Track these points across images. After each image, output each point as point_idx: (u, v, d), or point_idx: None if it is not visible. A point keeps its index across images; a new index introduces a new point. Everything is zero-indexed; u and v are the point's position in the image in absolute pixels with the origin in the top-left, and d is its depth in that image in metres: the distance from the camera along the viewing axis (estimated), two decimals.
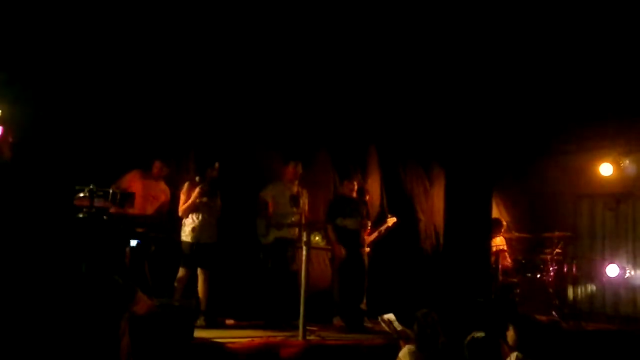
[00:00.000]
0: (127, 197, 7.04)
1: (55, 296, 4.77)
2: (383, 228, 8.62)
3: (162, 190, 7.48)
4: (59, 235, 6.23)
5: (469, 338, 5.13)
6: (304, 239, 6.65)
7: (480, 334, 5.11)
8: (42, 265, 5.87)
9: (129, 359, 4.51)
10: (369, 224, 8.47)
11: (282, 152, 8.39)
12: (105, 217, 6.48)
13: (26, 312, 5.14)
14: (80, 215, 6.55)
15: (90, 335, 4.38)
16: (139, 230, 6.83)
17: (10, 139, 6.53)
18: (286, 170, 7.84)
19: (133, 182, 7.21)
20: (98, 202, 6.73)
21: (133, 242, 6.83)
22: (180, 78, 7.78)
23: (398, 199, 9.74)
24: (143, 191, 7.22)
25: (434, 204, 10.15)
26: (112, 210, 6.62)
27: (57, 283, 5.02)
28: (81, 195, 6.70)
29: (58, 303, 4.62)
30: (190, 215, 7.29)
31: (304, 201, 7.84)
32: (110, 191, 6.85)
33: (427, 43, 8.07)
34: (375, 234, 8.57)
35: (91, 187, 6.74)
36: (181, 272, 7.22)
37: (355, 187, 8.35)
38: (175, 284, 7.18)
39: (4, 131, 6.41)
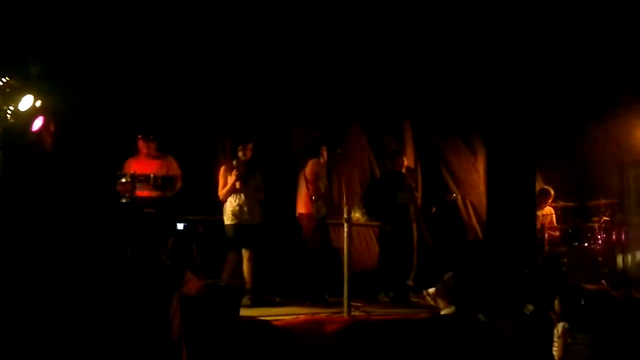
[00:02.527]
0: (169, 181, 7.15)
1: (103, 281, 4.84)
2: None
3: (160, 166, 7.35)
4: (103, 221, 6.34)
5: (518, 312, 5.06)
6: (345, 215, 6.63)
7: (530, 308, 5.02)
8: (88, 251, 5.98)
9: (180, 339, 4.55)
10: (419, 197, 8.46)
11: (317, 129, 8.37)
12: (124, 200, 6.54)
13: (76, 298, 5.24)
14: (123, 201, 6.67)
15: (142, 318, 4.43)
16: (148, 211, 6.78)
17: (52, 129, 6.65)
18: (322, 150, 7.82)
19: (128, 170, 7.13)
20: (140, 188, 6.87)
21: (180, 226, 6.91)
22: (212, 62, 7.81)
23: (434, 173, 9.66)
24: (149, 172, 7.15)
25: (477, 177, 10.05)
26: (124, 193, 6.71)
27: (104, 268, 5.10)
28: (123, 180, 6.83)
29: (107, 288, 4.68)
30: (229, 199, 7.32)
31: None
32: (152, 176, 6.97)
33: (467, 13, 7.93)
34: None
35: (133, 172, 6.87)
36: (229, 254, 7.27)
37: (405, 162, 8.33)
38: (224, 266, 7.25)
39: (45, 121, 6.52)
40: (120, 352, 4.41)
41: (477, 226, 9.93)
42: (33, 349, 4.95)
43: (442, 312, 4.96)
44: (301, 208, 7.76)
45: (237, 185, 7.23)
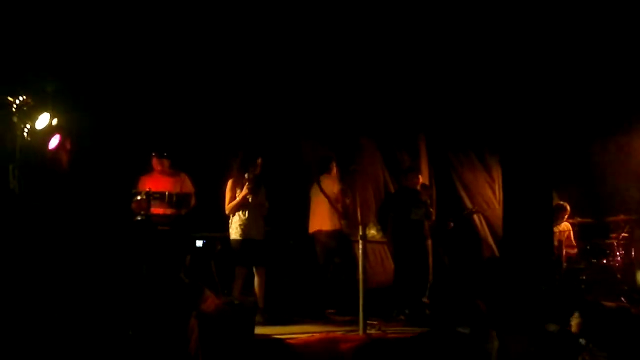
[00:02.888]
0: (184, 199, 7.16)
1: (119, 299, 4.84)
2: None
3: (173, 183, 7.38)
4: (118, 239, 6.35)
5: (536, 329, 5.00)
6: (360, 232, 6.60)
7: (553, 327, 4.97)
8: (103, 269, 5.98)
9: (197, 354, 4.54)
10: (433, 214, 8.42)
11: (328, 145, 8.37)
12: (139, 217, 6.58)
13: (92, 315, 5.24)
14: (138, 218, 6.69)
15: (160, 334, 4.43)
16: (162, 228, 6.81)
17: (68, 147, 6.69)
18: (332, 166, 7.81)
19: (142, 187, 7.18)
20: (155, 205, 6.89)
21: (199, 243, 6.90)
22: (225, 78, 7.84)
23: (449, 189, 9.63)
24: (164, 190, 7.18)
25: (492, 193, 10.00)
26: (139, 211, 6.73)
27: (120, 286, 5.11)
28: (138, 198, 6.85)
29: (123, 306, 4.69)
30: (237, 213, 7.28)
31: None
32: (167, 194, 6.99)
33: (483, 28, 7.91)
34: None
35: (148, 190, 6.90)
36: (237, 270, 7.24)
37: (420, 179, 8.32)
38: (234, 284, 7.19)
39: (62, 139, 6.56)
40: None
41: (492, 243, 9.86)
42: None
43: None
44: (319, 225, 7.74)
45: (249, 199, 7.21)
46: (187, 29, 7.39)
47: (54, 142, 6.53)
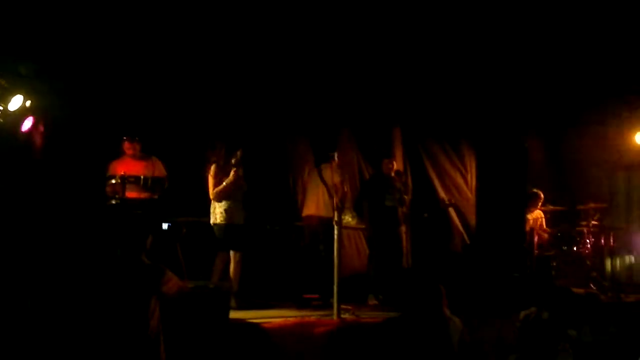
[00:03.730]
0: (158, 182, 7.13)
1: (88, 281, 4.84)
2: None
3: (145, 167, 7.32)
4: (92, 223, 6.32)
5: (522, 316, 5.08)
6: (335, 218, 6.63)
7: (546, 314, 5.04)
8: (76, 252, 5.96)
9: (158, 338, 4.56)
10: (408, 200, 8.47)
11: (308, 135, 8.40)
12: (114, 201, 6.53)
13: (56, 298, 5.27)
14: (113, 202, 6.65)
15: (120, 316, 4.45)
16: (137, 212, 6.77)
17: (42, 129, 6.62)
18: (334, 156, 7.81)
19: (114, 172, 7.10)
20: (129, 189, 6.85)
21: (164, 226, 6.88)
22: (202, 66, 7.80)
23: (423, 178, 9.70)
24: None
25: (464, 182, 10.10)
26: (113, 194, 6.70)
27: (91, 269, 5.11)
28: (112, 182, 6.81)
29: (91, 287, 4.69)
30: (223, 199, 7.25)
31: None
32: (142, 177, 6.95)
33: (453, 19, 7.95)
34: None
35: (123, 173, 6.86)
36: (218, 256, 7.22)
37: (394, 166, 8.36)
38: (214, 267, 7.17)
39: (35, 121, 6.49)
40: (99, 347, 4.44)
41: (463, 231, 9.94)
42: (14, 345, 4.96)
43: None
44: (314, 210, 7.80)
45: (236, 184, 7.18)
46: (165, 15, 7.32)
47: (27, 124, 6.47)
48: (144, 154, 7.39)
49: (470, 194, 10.11)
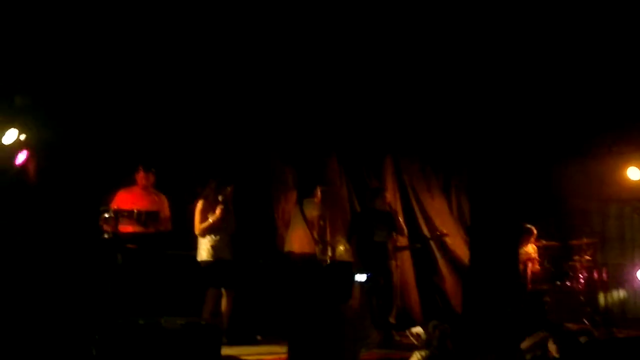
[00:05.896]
0: (152, 216, 7.10)
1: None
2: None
3: (151, 202, 7.29)
4: (85, 257, 6.30)
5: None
6: (329, 254, 6.63)
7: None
8: (67, 287, 5.94)
9: None
10: (398, 237, 8.44)
11: (296, 165, 8.42)
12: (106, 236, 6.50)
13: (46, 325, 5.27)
14: (106, 236, 6.63)
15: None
16: (130, 246, 6.70)
17: (36, 163, 6.62)
18: (317, 192, 7.84)
19: (122, 203, 7.05)
20: (123, 223, 6.82)
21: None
22: (195, 100, 7.85)
23: (408, 212, 9.68)
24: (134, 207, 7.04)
25: (453, 217, 10.10)
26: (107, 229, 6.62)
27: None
28: (106, 216, 6.77)
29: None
30: (208, 235, 7.20)
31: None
32: (135, 211, 6.92)
33: (446, 43, 7.99)
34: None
35: (116, 207, 6.83)
36: (209, 292, 7.16)
37: (388, 198, 8.37)
38: (204, 304, 7.12)
39: (29, 155, 6.50)
40: None
41: (446, 268, 9.85)
42: None
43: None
44: (296, 246, 7.82)
45: (221, 221, 7.16)
46: (153, 50, 7.34)
47: (22, 157, 6.47)
48: (155, 190, 7.39)
49: (457, 231, 10.06)
